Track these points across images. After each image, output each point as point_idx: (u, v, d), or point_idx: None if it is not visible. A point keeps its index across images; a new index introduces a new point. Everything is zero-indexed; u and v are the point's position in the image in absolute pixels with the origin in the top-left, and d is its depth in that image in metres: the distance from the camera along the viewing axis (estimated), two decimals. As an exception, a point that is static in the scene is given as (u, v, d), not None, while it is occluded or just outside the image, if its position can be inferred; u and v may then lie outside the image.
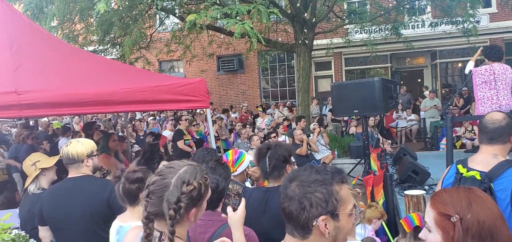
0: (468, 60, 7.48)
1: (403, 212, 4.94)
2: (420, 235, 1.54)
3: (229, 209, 1.97)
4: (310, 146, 9.64)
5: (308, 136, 9.95)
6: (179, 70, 19.75)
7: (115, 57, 12.55)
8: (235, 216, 1.95)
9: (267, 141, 9.41)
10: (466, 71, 6.87)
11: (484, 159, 2.54)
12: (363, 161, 7.99)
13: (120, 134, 10.14)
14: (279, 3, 12.52)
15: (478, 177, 2.46)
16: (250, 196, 2.68)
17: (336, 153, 11.12)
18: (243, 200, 2.00)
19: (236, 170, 3.15)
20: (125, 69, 5.86)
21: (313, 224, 1.40)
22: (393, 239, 4.52)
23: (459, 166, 2.63)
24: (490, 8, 16.23)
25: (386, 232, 4.99)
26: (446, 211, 1.35)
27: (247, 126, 11.52)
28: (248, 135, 10.25)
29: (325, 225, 1.40)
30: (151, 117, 13.70)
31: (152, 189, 1.65)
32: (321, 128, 10.62)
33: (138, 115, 14.26)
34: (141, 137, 10.28)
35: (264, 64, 18.73)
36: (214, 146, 5.60)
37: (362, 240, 3.38)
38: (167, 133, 9.96)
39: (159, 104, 4.97)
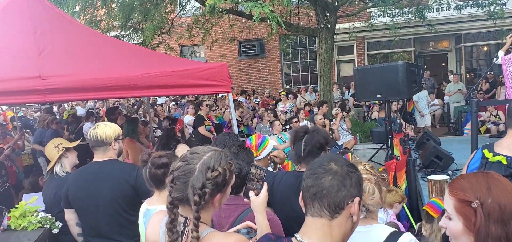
0: (494, 44, 7.29)
1: (426, 198, 4.89)
2: (440, 223, 1.53)
3: (251, 193, 1.97)
4: (332, 131, 9.60)
5: (330, 121, 9.89)
6: (200, 55, 19.82)
7: (137, 42, 12.66)
8: (258, 200, 1.96)
9: (288, 125, 9.42)
10: (495, 60, 6.68)
11: (510, 144, 2.50)
12: (385, 146, 7.91)
13: (143, 118, 10.26)
14: (301, -14, 12.41)
15: (505, 162, 2.43)
16: (282, 180, 2.69)
17: (358, 137, 11.04)
18: (265, 184, 2.00)
19: (259, 155, 3.15)
20: (147, 54, 5.89)
21: (348, 203, 1.44)
22: (416, 224, 4.49)
23: (485, 151, 2.60)
24: (519, -11, 15.72)
25: (408, 217, 4.96)
26: (466, 197, 1.33)
27: (269, 110, 11.51)
28: (270, 119, 10.25)
29: (358, 206, 1.46)
30: (173, 102, 13.81)
31: (177, 175, 1.65)
32: (344, 113, 10.54)
33: (160, 100, 14.38)
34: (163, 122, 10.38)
35: (285, 48, 18.64)
36: (236, 130, 5.62)
37: (385, 223, 3.36)
38: (188, 118, 10.02)
39: (180, 89, 4.99)
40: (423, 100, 12.18)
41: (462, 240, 1.38)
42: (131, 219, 3.02)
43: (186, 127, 9.38)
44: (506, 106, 2.82)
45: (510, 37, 6.72)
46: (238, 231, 1.89)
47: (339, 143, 9.70)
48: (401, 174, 5.62)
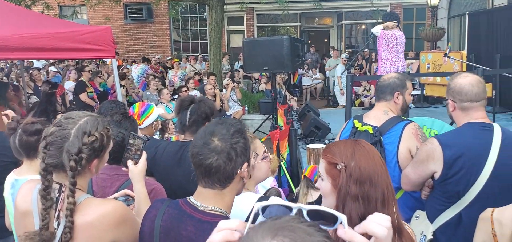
0: (370, 23, 7.98)
1: (305, 164, 5.26)
2: (316, 184, 1.69)
3: (130, 162, 1.98)
4: (222, 102, 9.72)
5: (221, 90, 9.99)
6: (82, 17, 18.42)
7: (8, -2, 11.35)
8: (136, 169, 1.97)
9: (177, 95, 9.30)
10: (373, 30, 7.32)
11: (377, 115, 2.78)
12: (271, 117, 8.26)
13: (15, 83, 9.32)
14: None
15: (371, 131, 2.70)
16: (165, 150, 2.66)
17: (246, 108, 11.35)
18: (144, 153, 2.02)
19: (142, 123, 3.09)
20: (20, 12, 5.34)
21: (237, 172, 1.54)
22: (295, 189, 4.81)
23: (355, 121, 2.86)
24: (392, -26, 17.26)
25: (289, 183, 5.29)
26: (334, 160, 1.48)
27: (157, 78, 11.22)
28: (157, 87, 10.01)
29: (247, 169, 1.57)
30: (52, 67, 12.75)
31: (50, 140, 1.59)
32: (234, 84, 10.71)
33: (38, 64, 13.19)
34: (40, 88, 9.54)
35: (175, 14, 18.16)
36: (121, 98, 5.41)
37: (266, 191, 3.54)
38: (70, 84, 9.36)
39: (58, 52, 4.65)
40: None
41: (330, 198, 1.52)
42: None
43: (67, 93, 8.75)
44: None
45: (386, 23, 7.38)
46: (116, 199, 1.88)
47: (228, 113, 9.88)
48: (284, 142, 5.95)
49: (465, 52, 8.83)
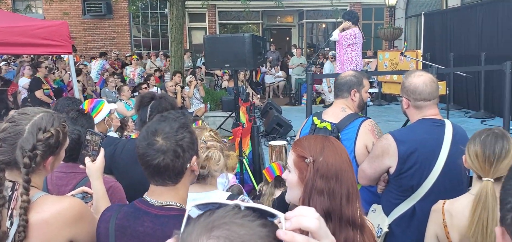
0: (330, 22, 8.11)
1: (267, 161, 5.30)
2: (283, 175, 1.72)
3: (87, 159, 1.94)
4: (184, 99, 9.63)
5: (182, 88, 9.90)
6: (37, 11, 17.76)
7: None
8: (94, 166, 1.94)
9: (137, 92, 9.15)
10: (333, 38, 7.42)
11: (335, 112, 2.84)
12: (233, 114, 8.27)
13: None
14: None
15: (329, 128, 2.76)
16: (124, 147, 2.62)
17: (209, 106, 11.30)
18: (102, 150, 1.99)
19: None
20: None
21: (187, 167, 1.53)
22: (257, 185, 4.84)
23: (315, 118, 2.91)
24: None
25: (251, 179, 5.31)
26: (303, 154, 1.52)
27: (115, 75, 10.97)
28: (117, 84, 9.79)
29: (196, 162, 1.57)
30: (4, 62, 12.21)
31: (3, 136, 1.54)
32: (198, 81, 10.64)
33: (-12, 60, 12.59)
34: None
35: (134, 10, 17.81)
36: (77, 95, 5.27)
37: (229, 187, 3.55)
38: (24, 81, 9.00)
39: (12, 47, 4.47)
40: None
41: (295, 190, 1.56)
42: None
43: (20, 91, 8.42)
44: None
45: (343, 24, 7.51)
46: (73, 196, 1.84)
47: (190, 110, 9.81)
48: (246, 140, 5.97)
49: (420, 51, 9.13)
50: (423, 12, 10.95)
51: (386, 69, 8.90)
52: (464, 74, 7.91)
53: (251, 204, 0.74)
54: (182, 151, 1.50)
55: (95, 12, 17.56)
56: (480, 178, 1.87)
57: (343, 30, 7.50)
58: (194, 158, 1.55)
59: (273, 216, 0.73)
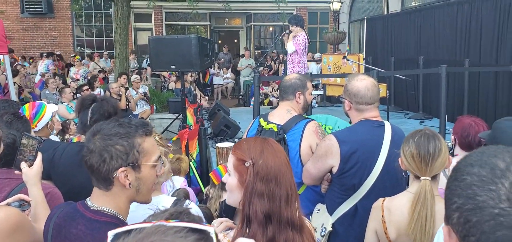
0: (278, 25, 8.16)
1: (214, 164, 5.27)
2: (223, 179, 1.72)
3: (23, 164, 1.86)
4: (128, 101, 9.40)
5: (127, 89, 9.65)
6: (-30, 8, 16.69)
7: None
8: (31, 172, 1.85)
9: (79, 94, 8.80)
10: (291, 50, 7.39)
11: (280, 114, 2.89)
12: (181, 116, 8.17)
13: None
14: None
15: (275, 129, 2.80)
16: (64, 151, 2.52)
17: (155, 107, 11.09)
18: (39, 154, 1.91)
19: (36, 126, 2.87)
20: None
21: (114, 176, 1.46)
22: (204, 188, 4.81)
23: (261, 120, 2.95)
24: (297, -20, 17.99)
25: (198, 183, 5.27)
26: (242, 157, 1.52)
27: (57, 76, 10.52)
28: (58, 86, 9.38)
29: (126, 176, 1.47)
30: None
31: None
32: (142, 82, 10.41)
33: None
34: None
35: (77, 9, 17.16)
36: (14, 97, 5.00)
37: (174, 191, 3.50)
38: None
39: None
40: None
41: (235, 193, 1.57)
42: None
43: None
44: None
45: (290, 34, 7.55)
46: (9, 205, 1.74)
47: (136, 112, 9.58)
48: (193, 142, 5.92)
49: (363, 55, 9.48)
50: (365, 17, 11.37)
51: (330, 72, 9.15)
52: (404, 78, 8.28)
53: (181, 223, 0.72)
54: (109, 157, 1.44)
55: (34, 10, 16.72)
56: (417, 177, 1.97)
57: (295, 34, 7.56)
58: (122, 169, 1.45)
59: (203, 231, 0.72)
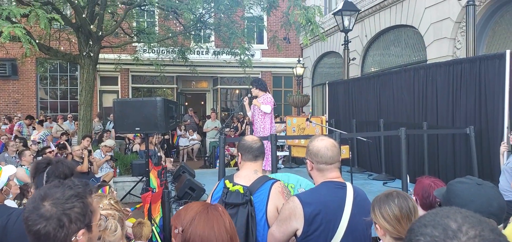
0: (244, 88, 8.26)
1: (178, 228, 5.15)
2: None
3: None
4: (91, 163, 9.17)
5: (90, 152, 9.44)
6: None
7: None
8: None
9: (41, 156, 8.54)
10: (268, 110, 7.38)
11: (247, 175, 2.89)
12: (144, 179, 8.01)
13: None
14: (64, 12, 11.64)
15: (241, 191, 2.79)
16: (19, 217, 2.39)
17: (118, 170, 10.84)
18: None
19: (-10, 189, 2.76)
20: None
21: (72, 240, 1.42)
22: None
23: (226, 181, 2.93)
24: (262, 45, 18.58)
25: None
26: (175, 224, 1.57)
27: (17, 139, 10.19)
28: (18, 149, 9.06)
29: (84, 238, 1.45)
30: None
31: None
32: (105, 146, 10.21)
33: None
34: None
35: (43, 72, 16.98)
36: (-31, 160, 4.79)
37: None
38: None
39: None
40: None
41: None
42: None
43: None
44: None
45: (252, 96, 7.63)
46: None
47: (98, 175, 9.33)
48: (156, 206, 5.78)
49: (325, 117, 9.72)
50: (327, 82, 11.76)
51: (294, 133, 9.31)
52: (365, 139, 8.50)
53: None
54: (69, 221, 1.39)
55: (-2, 72, 16.50)
56: (399, 239, 1.99)
57: (256, 98, 7.60)
58: (82, 231, 1.42)
59: None
